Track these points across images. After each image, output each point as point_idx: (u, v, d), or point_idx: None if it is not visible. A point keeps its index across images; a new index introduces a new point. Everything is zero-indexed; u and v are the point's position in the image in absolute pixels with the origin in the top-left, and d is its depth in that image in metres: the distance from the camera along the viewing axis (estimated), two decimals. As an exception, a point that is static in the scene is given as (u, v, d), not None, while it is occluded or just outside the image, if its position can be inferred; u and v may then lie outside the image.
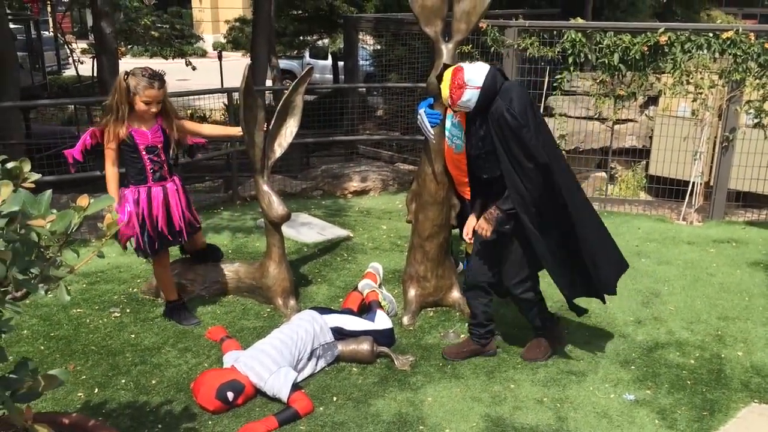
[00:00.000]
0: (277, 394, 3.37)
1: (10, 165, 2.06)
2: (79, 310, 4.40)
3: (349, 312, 4.14)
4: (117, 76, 3.85)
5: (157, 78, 3.83)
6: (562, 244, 3.54)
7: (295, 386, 3.40)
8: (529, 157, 3.35)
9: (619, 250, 3.80)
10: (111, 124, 3.83)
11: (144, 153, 3.92)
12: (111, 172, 3.92)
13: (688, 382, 3.70)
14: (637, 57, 6.42)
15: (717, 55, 6.29)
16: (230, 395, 3.33)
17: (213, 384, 3.35)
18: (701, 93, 6.41)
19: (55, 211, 1.88)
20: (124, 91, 3.79)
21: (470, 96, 3.37)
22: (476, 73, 3.38)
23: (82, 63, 15.96)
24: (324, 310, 4.06)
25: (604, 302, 3.88)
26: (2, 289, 1.75)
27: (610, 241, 3.75)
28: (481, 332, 3.84)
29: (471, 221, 3.73)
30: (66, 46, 17.22)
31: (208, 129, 4.48)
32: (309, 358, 3.67)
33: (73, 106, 14.06)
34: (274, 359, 3.47)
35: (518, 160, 3.36)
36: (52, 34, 19.28)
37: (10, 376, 1.83)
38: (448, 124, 4.12)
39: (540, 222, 3.45)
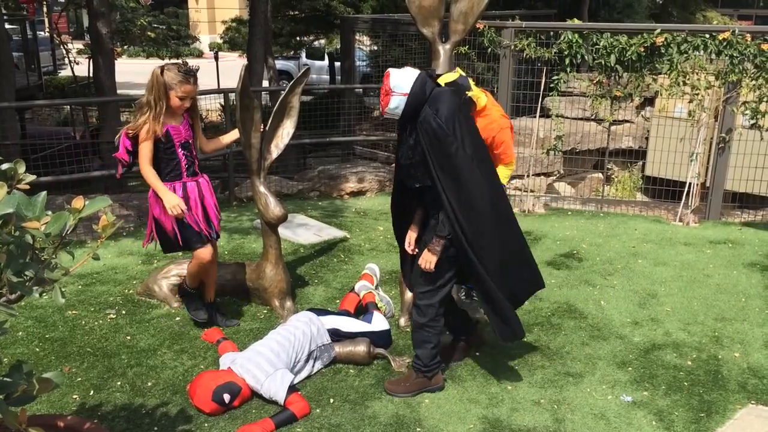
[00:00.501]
0: (274, 396, 3.36)
1: (4, 166, 2.05)
2: (74, 311, 4.38)
3: (346, 313, 4.13)
4: (152, 73, 3.77)
5: (192, 73, 3.81)
6: (496, 256, 3.37)
7: (292, 388, 3.39)
8: (452, 168, 3.21)
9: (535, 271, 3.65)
10: (149, 121, 3.76)
11: (180, 149, 3.90)
12: (151, 172, 3.82)
13: (686, 384, 3.70)
14: (633, 58, 6.42)
15: (713, 56, 6.30)
16: (226, 397, 3.32)
17: (209, 386, 3.33)
18: (698, 94, 6.42)
19: (50, 212, 1.87)
20: (162, 87, 3.75)
21: (397, 103, 3.23)
22: (403, 78, 3.24)
23: (78, 63, 15.92)
24: (321, 312, 4.05)
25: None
26: (-4, 292, 1.74)
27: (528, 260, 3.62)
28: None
29: (411, 233, 3.56)
30: (62, 47, 17.17)
31: (211, 146, 4.27)
32: (306, 360, 3.66)
33: (68, 107, 14.04)
34: (270, 361, 3.46)
35: (443, 170, 3.23)
36: (47, 34, 19.23)
37: (4, 379, 1.82)
38: None
39: (471, 237, 3.28)
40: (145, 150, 3.81)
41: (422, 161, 3.28)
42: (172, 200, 3.81)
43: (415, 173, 3.34)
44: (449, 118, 3.20)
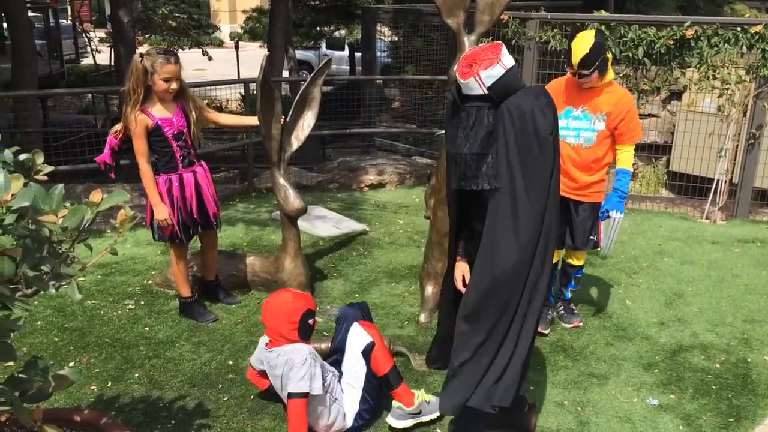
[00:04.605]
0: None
1: (22, 157, 2.01)
2: (93, 301, 4.37)
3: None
4: (131, 61, 3.75)
5: (172, 53, 3.75)
6: None
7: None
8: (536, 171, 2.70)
9: None
10: (130, 110, 3.72)
11: (173, 141, 3.85)
12: (147, 170, 3.79)
13: (714, 387, 3.59)
14: (662, 51, 6.26)
15: (744, 49, 6.13)
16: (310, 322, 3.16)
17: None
18: (728, 88, 6.25)
19: (67, 205, 1.82)
20: (141, 73, 3.69)
21: (495, 73, 2.52)
22: (508, 54, 2.62)
23: (99, 52, 16.00)
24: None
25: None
26: (12, 287, 1.69)
27: None
28: None
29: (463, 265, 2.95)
30: (84, 35, 17.25)
31: (225, 119, 4.38)
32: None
33: (90, 95, 14.10)
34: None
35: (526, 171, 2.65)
36: (70, 22, 19.34)
37: (20, 375, 1.77)
38: (564, 122, 3.84)
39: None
40: (139, 147, 3.77)
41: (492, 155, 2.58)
42: (161, 214, 3.84)
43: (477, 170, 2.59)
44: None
